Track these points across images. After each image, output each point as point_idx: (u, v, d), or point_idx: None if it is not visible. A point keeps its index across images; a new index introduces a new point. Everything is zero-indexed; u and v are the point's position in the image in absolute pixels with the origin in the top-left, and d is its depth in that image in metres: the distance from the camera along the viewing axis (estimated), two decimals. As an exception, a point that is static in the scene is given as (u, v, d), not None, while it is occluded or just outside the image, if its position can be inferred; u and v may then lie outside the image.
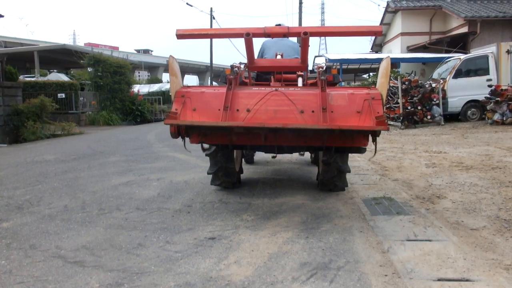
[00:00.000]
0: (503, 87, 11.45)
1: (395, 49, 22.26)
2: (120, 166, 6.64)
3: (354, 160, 6.64)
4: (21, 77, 16.84)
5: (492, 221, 3.47)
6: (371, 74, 23.38)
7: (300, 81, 4.63)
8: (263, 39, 5.36)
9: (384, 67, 3.55)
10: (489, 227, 3.33)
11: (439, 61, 15.38)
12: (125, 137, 12.05)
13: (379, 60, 13.00)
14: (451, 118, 12.95)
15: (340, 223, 3.52)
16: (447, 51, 18.59)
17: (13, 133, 11.43)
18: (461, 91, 12.68)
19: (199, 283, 2.44)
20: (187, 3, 30.39)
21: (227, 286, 2.41)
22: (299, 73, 4.73)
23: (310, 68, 5.08)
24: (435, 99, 12.32)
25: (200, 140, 3.90)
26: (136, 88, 22.59)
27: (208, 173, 4.63)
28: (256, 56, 4.71)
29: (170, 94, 3.74)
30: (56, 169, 6.42)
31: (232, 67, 4.06)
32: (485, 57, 13.04)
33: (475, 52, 14.32)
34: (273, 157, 5.36)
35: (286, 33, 3.79)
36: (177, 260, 2.79)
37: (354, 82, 25.77)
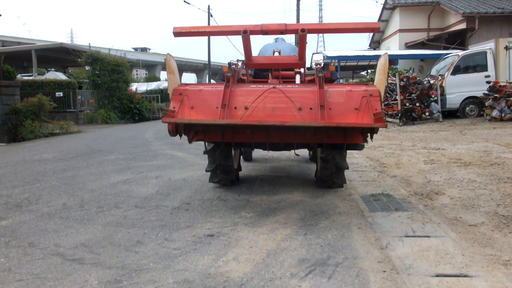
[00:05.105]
0: (502, 83, 11.46)
1: (393, 46, 22.26)
2: (119, 164, 6.64)
3: (352, 157, 6.65)
4: (18, 76, 16.78)
5: (490, 217, 3.48)
6: (369, 71, 23.37)
7: (298, 78, 4.62)
8: (260, 37, 5.35)
9: (382, 64, 3.55)
10: (488, 223, 3.34)
11: (437, 58, 15.38)
12: (123, 135, 12.04)
13: (377, 57, 12.99)
14: (450, 114, 12.96)
15: (339, 219, 3.52)
16: (445, 48, 18.59)
17: (11, 132, 11.40)
18: (459, 88, 12.69)
19: (198, 280, 2.44)
20: (184, 1, 30.31)
21: (226, 282, 2.41)
22: (297, 70, 4.72)
23: (308, 65, 5.07)
24: (433, 96, 12.33)
25: (198, 138, 3.89)
26: (134, 86, 22.51)
27: (206, 171, 4.63)
28: None
29: (168, 92, 3.74)
30: (54, 168, 6.41)
31: (230, 64, 4.05)
32: (484, 54, 13.04)
33: (473, 49, 14.32)
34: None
35: (283, 30, 3.78)
36: (175, 257, 2.79)
37: (352, 79, 25.80)
